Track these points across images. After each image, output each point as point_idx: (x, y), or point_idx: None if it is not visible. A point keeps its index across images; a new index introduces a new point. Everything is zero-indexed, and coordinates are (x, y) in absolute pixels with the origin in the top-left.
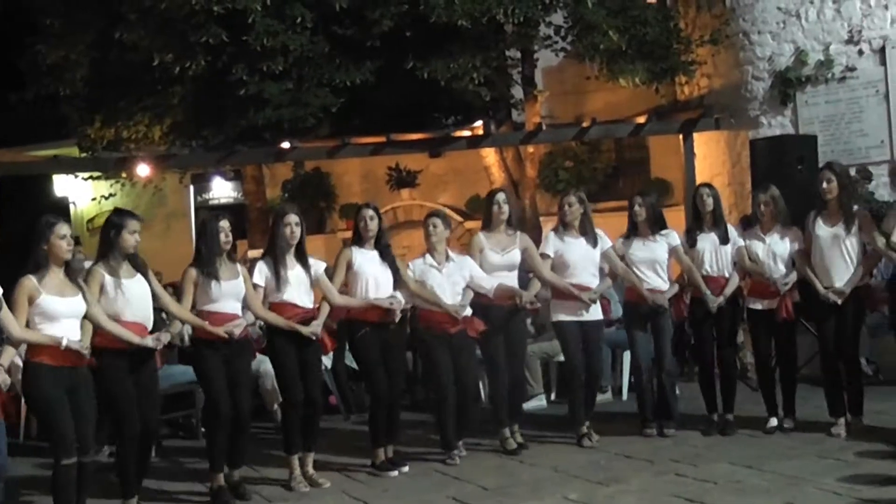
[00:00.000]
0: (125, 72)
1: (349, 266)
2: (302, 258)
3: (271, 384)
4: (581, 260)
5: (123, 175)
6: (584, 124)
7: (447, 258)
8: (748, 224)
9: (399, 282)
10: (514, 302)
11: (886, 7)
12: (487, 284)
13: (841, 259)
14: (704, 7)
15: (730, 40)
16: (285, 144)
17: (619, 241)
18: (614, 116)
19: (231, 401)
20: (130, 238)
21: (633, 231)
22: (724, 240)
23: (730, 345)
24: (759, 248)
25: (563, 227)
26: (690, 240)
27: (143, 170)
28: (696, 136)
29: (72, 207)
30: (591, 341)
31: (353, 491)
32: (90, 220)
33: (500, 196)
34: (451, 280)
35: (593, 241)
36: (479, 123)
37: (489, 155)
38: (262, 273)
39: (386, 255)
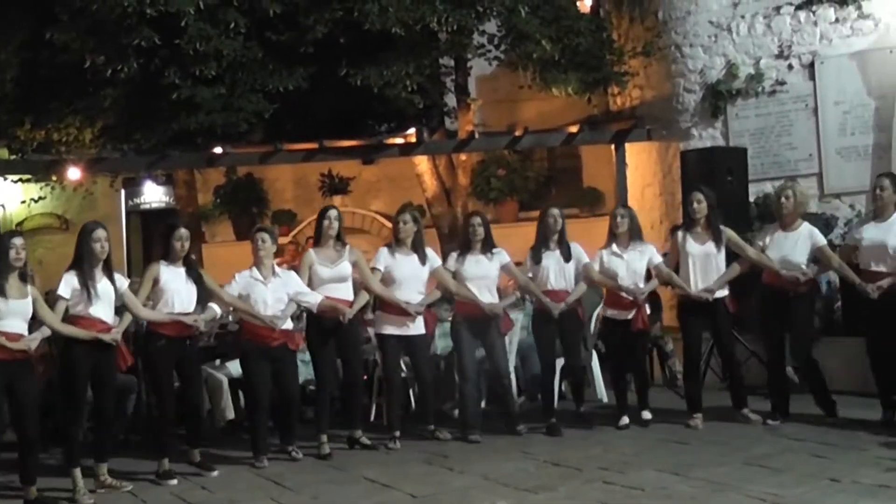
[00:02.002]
0: (56, 73)
1: (155, 281)
2: (109, 272)
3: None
4: (409, 277)
5: (54, 178)
6: (517, 133)
7: (273, 273)
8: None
9: (206, 297)
10: (339, 317)
11: (816, 23)
12: (312, 300)
13: (711, 274)
14: (637, 19)
15: (662, 52)
16: (217, 149)
17: (451, 258)
18: (547, 125)
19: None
20: None
21: (466, 249)
22: (567, 258)
23: (576, 352)
24: (618, 264)
25: (395, 243)
26: (536, 257)
27: (73, 173)
28: (627, 146)
29: (0, 210)
30: (417, 354)
31: (282, 498)
32: (19, 224)
33: (332, 212)
34: (275, 295)
35: (423, 259)
36: (412, 131)
37: (422, 162)
38: (68, 285)
39: (192, 272)
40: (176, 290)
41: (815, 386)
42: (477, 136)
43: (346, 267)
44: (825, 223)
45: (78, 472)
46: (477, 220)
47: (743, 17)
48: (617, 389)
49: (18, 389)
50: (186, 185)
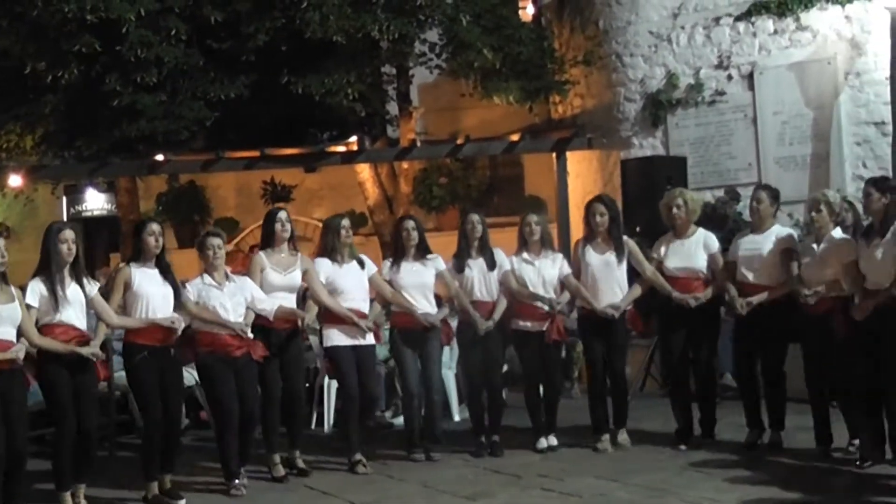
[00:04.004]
0: None
1: (127, 286)
2: (78, 277)
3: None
4: (353, 285)
5: None
6: (459, 141)
7: (227, 278)
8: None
9: (180, 301)
10: (295, 324)
11: (755, 34)
12: (268, 306)
13: (611, 284)
14: (578, 28)
15: (602, 62)
16: (159, 157)
17: (386, 266)
18: (489, 134)
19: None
20: None
21: (401, 255)
22: (492, 265)
23: (496, 373)
24: (529, 271)
25: (339, 247)
26: (459, 266)
27: (14, 180)
28: (569, 154)
29: None
30: (365, 365)
31: None
32: None
33: (283, 214)
34: (233, 300)
35: (361, 264)
36: (353, 139)
37: (364, 170)
38: (35, 293)
39: (167, 274)
40: (151, 294)
41: (705, 402)
42: (419, 144)
43: (298, 275)
44: None
45: (68, 496)
46: (410, 223)
47: (683, 27)
48: (530, 407)
49: (10, 401)
50: (128, 192)
